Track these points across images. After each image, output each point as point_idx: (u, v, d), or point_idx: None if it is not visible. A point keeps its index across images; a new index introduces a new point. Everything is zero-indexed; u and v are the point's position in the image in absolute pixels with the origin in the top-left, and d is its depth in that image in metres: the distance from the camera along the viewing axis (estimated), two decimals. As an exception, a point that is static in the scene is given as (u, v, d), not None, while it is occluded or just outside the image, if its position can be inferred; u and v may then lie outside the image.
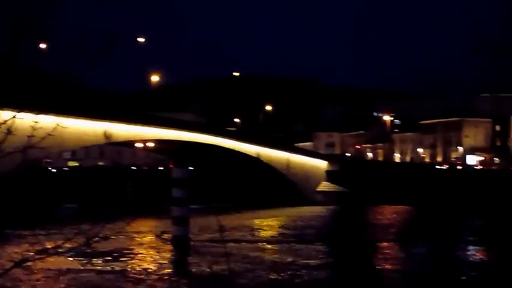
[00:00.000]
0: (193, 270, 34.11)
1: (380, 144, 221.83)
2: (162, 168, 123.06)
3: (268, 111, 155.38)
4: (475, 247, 48.76)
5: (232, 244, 46.76)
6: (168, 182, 45.01)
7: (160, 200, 63.03)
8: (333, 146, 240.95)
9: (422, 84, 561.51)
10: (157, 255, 40.50)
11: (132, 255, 40.64)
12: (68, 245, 9.31)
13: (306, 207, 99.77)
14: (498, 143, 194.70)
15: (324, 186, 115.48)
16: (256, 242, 49.75)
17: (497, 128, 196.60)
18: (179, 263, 37.31)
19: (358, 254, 43.58)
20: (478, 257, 43.07)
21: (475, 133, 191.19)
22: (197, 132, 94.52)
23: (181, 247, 41.94)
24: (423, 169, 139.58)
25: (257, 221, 71.97)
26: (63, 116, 76.57)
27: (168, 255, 40.63)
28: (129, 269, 34.43)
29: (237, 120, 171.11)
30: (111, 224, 53.58)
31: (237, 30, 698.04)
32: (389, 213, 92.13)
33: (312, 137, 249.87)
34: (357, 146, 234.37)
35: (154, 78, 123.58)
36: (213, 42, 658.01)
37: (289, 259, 38.74)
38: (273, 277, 31.85)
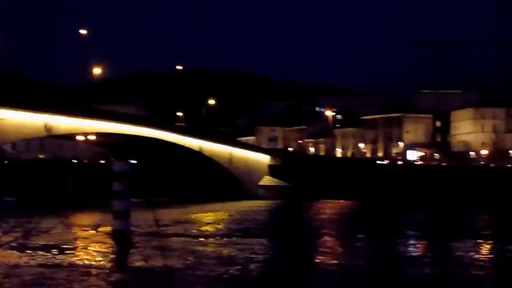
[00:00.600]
0: (134, 264, 33.62)
1: (322, 139, 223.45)
2: (103, 161, 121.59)
3: (211, 105, 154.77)
4: (415, 241, 49.28)
5: (174, 238, 46.35)
6: (109, 175, 44.31)
7: (102, 193, 62.23)
8: (275, 140, 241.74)
9: (364, 80, 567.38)
10: (97, 250, 39.87)
11: (70, 249, 39.90)
12: (5, 239, 8.89)
13: (248, 201, 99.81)
14: (438, 139, 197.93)
15: (267, 180, 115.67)
16: (199, 236, 49.40)
17: (438, 123, 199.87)
18: (120, 257, 36.74)
19: (301, 247, 43.63)
20: (418, 251, 43.48)
21: (415, 129, 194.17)
22: (139, 125, 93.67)
23: (123, 241, 41.34)
24: (364, 164, 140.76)
25: (199, 215, 71.60)
26: (2, 108, 75.27)
27: (108, 249, 40.01)
28: (65, 264, 33.74)
29: (180, 114, 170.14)
30: (50, 218, 53.01)
31: (182, 23, 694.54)
32: (331, 207, 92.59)
33: (254, 132, 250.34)
34: (299, 141, 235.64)
35: (97, 70, 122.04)
36: (157, 35, 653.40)
37: (232, 253, 38.54)
38: (216, 272, 31.57)
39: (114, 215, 42.63)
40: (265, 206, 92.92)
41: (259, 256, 37.93)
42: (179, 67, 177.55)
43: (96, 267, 32.77)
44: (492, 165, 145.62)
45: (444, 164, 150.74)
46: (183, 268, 32.33)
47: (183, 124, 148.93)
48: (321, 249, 42.70)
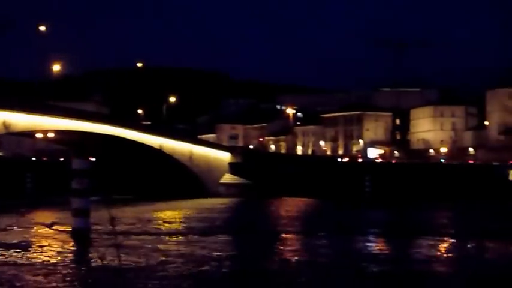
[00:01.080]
0: (92, 262, 33.42)
1: (283, 137, 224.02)
2: (63, 159, 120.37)
3: (172, 103, 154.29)
4: (375, 238, 49.72)
5: (134, 237, 46.20)
6: (68, 173, 43.98)
7: (61, 191, 61.72)
8: (236, 138, 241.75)
9: (326, 79, 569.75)
10: (56, 248, 39.51)
11: (28, 248, 39.51)
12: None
13: (209, 199, 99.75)
14: (398, 137, 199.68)
15: (227, 178, 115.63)
16: (159, 234, 49.28)
17: (397, 121, 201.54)
18: (78, 255, 36.51)
19: (262, 245, 43.73)
20: (376, 248, 43.86)
21: (375, 126, 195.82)
22: (99, 122, 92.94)
23: (81, 239, 41.09)
24: (324, 162, 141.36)
25: (160, 213, 71.38)
26: (-42, 105, 74.18)
27: (67, 247, 39.70)
28: (24, 262, 33.42)
29: (140, 111, 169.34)
30: (9, 216, 52.36)
31: (142, 21, 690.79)
32: (291, 205, 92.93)
33: (215, 129, 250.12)
34: (260, 139, 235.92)
35: (56, 67, 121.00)
36: (117, 33, 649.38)
37: (194, 251, 38.52)
38: (177, 270, 31.52)
39: (73, 212, 42.40)
40: (226, 203, 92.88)
41: (220, 254, 37.99)
42: (139, 64, 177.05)
43: (54, 265, 32.52)
44: (451, 162, 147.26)
45: (404, 162, 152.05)
46: (143, 267, 32.23)
47: (143, 122, 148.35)
48: (281, 247, 42.88)
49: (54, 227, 47.97)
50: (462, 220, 73.56)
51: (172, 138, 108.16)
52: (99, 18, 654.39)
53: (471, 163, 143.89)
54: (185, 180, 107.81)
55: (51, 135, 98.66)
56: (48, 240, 43.63)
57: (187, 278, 29.13)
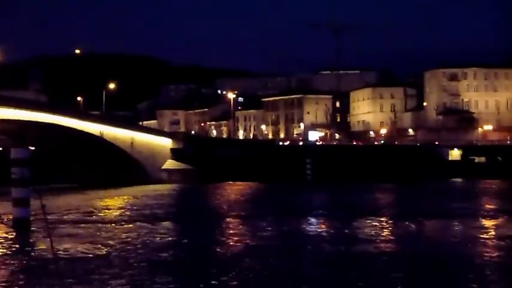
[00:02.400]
0: (35, 252, 33.15)
1: (224, 122, 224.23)
2: (1, 149, 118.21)
3: (112, 90, 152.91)
4: (317, 219, 50.30)
5: (80, 225, 45.93)
6: (7, 162, 43.41)
7: (1, 181, 60.83)
8: (177, 124, 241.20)
9: (267, 63, 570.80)
10: (-3, 239, 39.00)
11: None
12: None
13: (152, 185, 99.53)
14: (338, 119, 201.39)
15: (169, 164, 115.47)
16: (103, 222, 49.01)
17: (338, 104, 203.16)
18: (20, 245, 36.14)
19: (207, 230, 43.87)
20: (320, 229, 44.40)
21: (315, 109, 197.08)
22: (38, 111, 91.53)
23: (22, 229, 40.67)
24: (266, 145, 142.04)
25: (103, 202, 70.92)
26: None
27: (7, 237, 39.25)
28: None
29: (79, 99, 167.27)
30: None
31: (79, 7, 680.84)
32: (234, 189, 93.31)
33: (156, 115, 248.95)
34: (201, 124, 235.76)
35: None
36: (54, 19, 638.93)
37: (139, 239, 38.49)
38: (120, 258, 31.50)
39: (14, 202, 41.92)
40: (169, 189, 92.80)
41: (170, 239, 38.09)
42: (77, 51, 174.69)
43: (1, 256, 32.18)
44: (391, 143, 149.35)
45: (344, 144, 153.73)
46: (92, 256, 32.09)
47: (83, 109, 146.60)
48: (227, 231, 43.11)
49: (4, 220, 47.07)
50: (402, 200, 74.80)
51: (112, 125, 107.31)
52: (37, 5, 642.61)
53: (411, 144, 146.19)
54: (127, 167, 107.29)
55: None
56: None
57: (139, 266, 29.08)
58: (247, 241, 37.62)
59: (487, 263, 29.73)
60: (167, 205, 67.14)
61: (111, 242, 36.65)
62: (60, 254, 31.57)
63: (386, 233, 42.00)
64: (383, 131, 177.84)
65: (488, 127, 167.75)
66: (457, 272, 27.66)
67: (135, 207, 62.54)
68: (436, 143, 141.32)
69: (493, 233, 41.72)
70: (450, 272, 27.50)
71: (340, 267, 28.96)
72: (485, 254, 32.08)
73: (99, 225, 46.55)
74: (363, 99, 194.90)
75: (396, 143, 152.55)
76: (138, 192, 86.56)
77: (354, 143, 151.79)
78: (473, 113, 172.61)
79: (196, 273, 27.44)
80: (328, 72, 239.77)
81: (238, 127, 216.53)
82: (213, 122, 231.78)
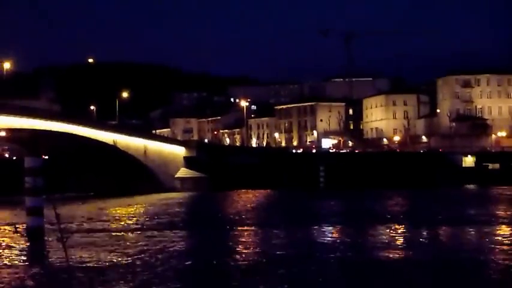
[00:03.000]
0: (50, 261, 32.91)
1: (237, 130, 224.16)
2: (15, 157, 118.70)
3: (124, 98, 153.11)
4: (332, 227, 49.90)
5: (95, 234, 45.76)
6: (21, 172, 43.31)
7: (15, 190, 60.80)
8: (190, 132, 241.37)
9: (278, 71, 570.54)
10: (12, 247, 38.85)
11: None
12: None
13: (165, 194, 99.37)
14: (351, 126, 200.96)
15: (183, 172, 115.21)
16: (118, 231, 48.82)
17: (350, 111, 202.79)
18: (35, 255, 35.96)
19: (220, 239, 43.58)
20: (334, 238, 44.02)
21: (328, 117, 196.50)
22: (51, 120, 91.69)
23: (36, 238, 40.49)
24: (279, 153, 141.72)
25: (117, 210, 70.80)
26: None
27: (22, 247, 39.09)
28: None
29: (92, 107, 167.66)
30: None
31: (92, 16, 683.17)
32: (248, 197, 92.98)
33: (169, 124, 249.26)
34: (214, 132, 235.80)
35: (6, 65, 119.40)
36: (67, 28, 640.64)
37: (156, 246, 38.28)
38: (137, 266, 31.26)
39: (27, 211, 41.78)
40: (183, 198, 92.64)
41: (172, 249, 37.87)
42: (91, 60, 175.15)
43: (9, 265, 31.97)
44: (404, 150, 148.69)
45: (357, 151, 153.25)
46: (112, 264, 31.86)
47: (96, 118, 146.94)
48: (241, 240, 42.81)
49: (19, 228, 46.79)
50: (416, 207, 74.26)
51: (125, 133, 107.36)
52: (49, 14, 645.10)
53: (424, 151, 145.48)
54: (140, 175, 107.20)
55: (2, 133, 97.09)
56: (4, 239, 42.96)
57: (157, 275, 28.81)
58: (263, 249, 37.31)
59: (508, 270, 29.28)
60: (181, 213, 66.95)
61: (128, 251, 36.43)
62: (75, 263, 31.35)
63: (403, 240, 41.59)
64: (396, 138, 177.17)
65: (502, 133, 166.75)
66: (479, 279, 27.25)
67: (149, 216, 62.37)
68: (450, 150, 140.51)
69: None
70: (473, 279, 27.08)
71: (361, 275, 28.59)
72: (506, 262, 31.63)
73: (115, 233, 46.37)
74: (376, 106, 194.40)
75: (409, 150, 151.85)
76: (152, 200, 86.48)
77: (367, 150, 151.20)
78: (487, 119, 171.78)
79: (214, 283, 27.14)
80: (340, 79, 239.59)
81: (251, 135, 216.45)
82: (226, 130, 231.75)
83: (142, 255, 34.97)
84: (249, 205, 78.01)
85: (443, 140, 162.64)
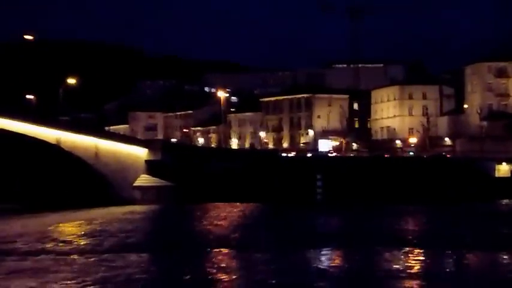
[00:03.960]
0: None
1: (213, 127, 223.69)
2: None
3: (71, 86, 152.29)
4: (333, 251, 49.76)
5: (36, 257, 45.46)
6: None
7: None
8: (154, 129, 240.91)
9: (265, 55, 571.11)
10: None
11: None
12: None
13: (121, 207, 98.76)
14: (357, 125, 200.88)
15: (144, 180, 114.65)
16: (62, 254, 48.45)
17: (355, 105, 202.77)
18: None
19: (189, 263, 43.36)
20: (335, 264, 43.90)
21: (328, 112, 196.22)
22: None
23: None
24: (266, 157, 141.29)
25: (59, 227, 70.37)
26: None
27: None
28: None
29: (30, 96, 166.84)
30: None
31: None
32: (226, 212, 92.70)
33: (128, 119, 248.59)
34: (184, 130, 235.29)
35: None
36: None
37: (104, 274, 38.00)
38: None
39: None
40: (143, 212, 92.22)
41: (139, 277, 37.60)
42: (29, 37, 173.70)
43: None
44: (422, 155, 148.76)
45: (364, 156, 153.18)
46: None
47: (34, 111, 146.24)
48: (214, 265, 42.56)
49: None
50: (438, 226, 74.28)
51: (72, 131, 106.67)
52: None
53: (448, 156, 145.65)
54: (90, 183, 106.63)
55: None
56: None
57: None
58: (247, 277, 37.14)
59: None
60: (139, 232, 66.58)
61: (82, 280, 36.16)
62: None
63: (421, 268, 41.53)
64: (413, 140, 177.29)
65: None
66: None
67: (99, 235, 61.93)
68: (479, 155, 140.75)
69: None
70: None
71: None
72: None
73: (54, 257, 46.01)
74: (388, 100, 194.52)
75: (429, 154, 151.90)
76: (103, 215, 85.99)
77: (376, 155, 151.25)
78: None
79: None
80: (344, 65, 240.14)
81: (231, 134, 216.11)
82: (200, 128, 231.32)
83: (101, 285, 34.74)
84: (227, 222, 77.74)
85: (471, 143, 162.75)
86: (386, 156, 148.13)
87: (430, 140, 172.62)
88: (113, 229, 67.57)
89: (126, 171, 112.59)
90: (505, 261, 44.76)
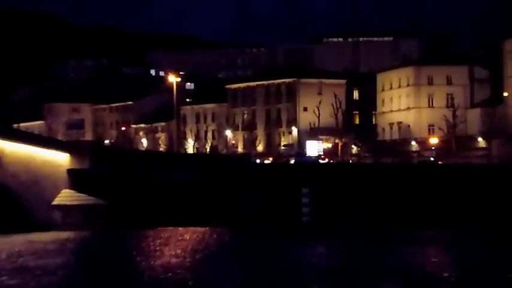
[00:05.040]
0: None
1: (162, 124, 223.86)
2: None
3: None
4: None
5: None
6: None
7: None
8: (80, 127, 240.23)
9: (230, 23, 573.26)
10: None
11: None
12: None
13: (34, 234, 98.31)
14: (357, 120, 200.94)
15: (66, 196, 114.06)
16: None
17: (355, 94, 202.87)
18: None
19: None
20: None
21: (317, 103, 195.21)
22: None
23: None
24: (233, 165, 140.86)
25: None
26: None
27: None
28: None
29: None
30: None
31: None
32: (179, 240, 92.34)
33: (43, 113, 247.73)
34: (122, 128, 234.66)
35: None
36: None
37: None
38: None
39: None
40: (64, 241, 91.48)
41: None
42: None
43: None
44: (446, 162, 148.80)
45: (366, 162, 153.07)
46: None
47: None
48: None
49: None
50: (473, 260, 73.90)
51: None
52: None
53: (480, 163, 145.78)
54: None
55: None
56: None
57: None
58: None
59: None
60: (58, 269, 65.69)
61: None
62: None
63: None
64: (433, 141, 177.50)
65: None
66: None
67: (6, 274, 61.13)
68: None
69: None
70: None
71: None
72: None
73: None
74: (399, 86, 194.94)
75: (456, 161, 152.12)
76: (11, 246, 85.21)
77: (383, 161, 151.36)
78: None
79: None
80: (339, 39, 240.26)
81: (186, 133, 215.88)
82: (143, 125, 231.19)
83: None
84: (179, 256, 77.10)
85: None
86: (397, 163, 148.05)
87: (457, 140, 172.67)
88: (25, 265, 66.83)
89: (40, 185, 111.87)
90: None
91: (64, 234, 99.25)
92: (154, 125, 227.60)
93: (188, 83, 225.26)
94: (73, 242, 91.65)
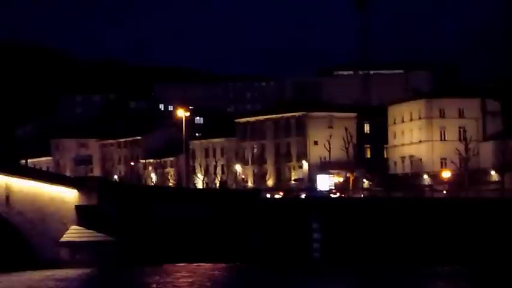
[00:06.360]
0: None
1: (171, 159, 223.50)
2: None
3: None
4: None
5: None
6: None
7: None
8: (88, 163, 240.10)
9: (240, 57, 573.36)
10: None
11: None
12: None
13: (41, 271, 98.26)
14: (368, 154, 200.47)
15: (74, 233, 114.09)
16: None
17: (366, 127, 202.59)
18: None
19: None
20: None
21: (328, 137, 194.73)
22: None
23: None
24: (243, 199, 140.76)
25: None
26: None
27: None
28: None
29: None
30: None
31: None
32: (188, 278, 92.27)
33: (50, 148, 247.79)
34: (131, 163, 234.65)
35: None
36: None
37: None
38: None
39: None
40: (71, 279, 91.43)
41: None
42: None
43: None
44: (459, 196, 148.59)
45: (378, 196, 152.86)
46: None
47: None
48: None
49: None
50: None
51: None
52: None
53: (494, 197, 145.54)
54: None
55: None
56: None
57: None
58: None
59: None
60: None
61: None
62: None
63: None
64: (446, 175, 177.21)
65: None
66: None
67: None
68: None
69: None
70: None
71: None
72: None
73: None
74: (411, 119, 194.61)
75: (468, 195, 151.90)
76: (18, 285, 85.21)
77: (395, 195, 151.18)
78: None
79: None
80: (350, 72, 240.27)
81: (195, 168, 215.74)
82: (152, 160, 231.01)
83: None
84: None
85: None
86: (409, 197, 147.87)
87: (470, 174, 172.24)
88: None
89: (48, 222, 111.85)
90: None
91: (72, 272, 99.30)
92: (163, 160, 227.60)
93: (197, 117, 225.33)
94: (81, 281, 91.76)
